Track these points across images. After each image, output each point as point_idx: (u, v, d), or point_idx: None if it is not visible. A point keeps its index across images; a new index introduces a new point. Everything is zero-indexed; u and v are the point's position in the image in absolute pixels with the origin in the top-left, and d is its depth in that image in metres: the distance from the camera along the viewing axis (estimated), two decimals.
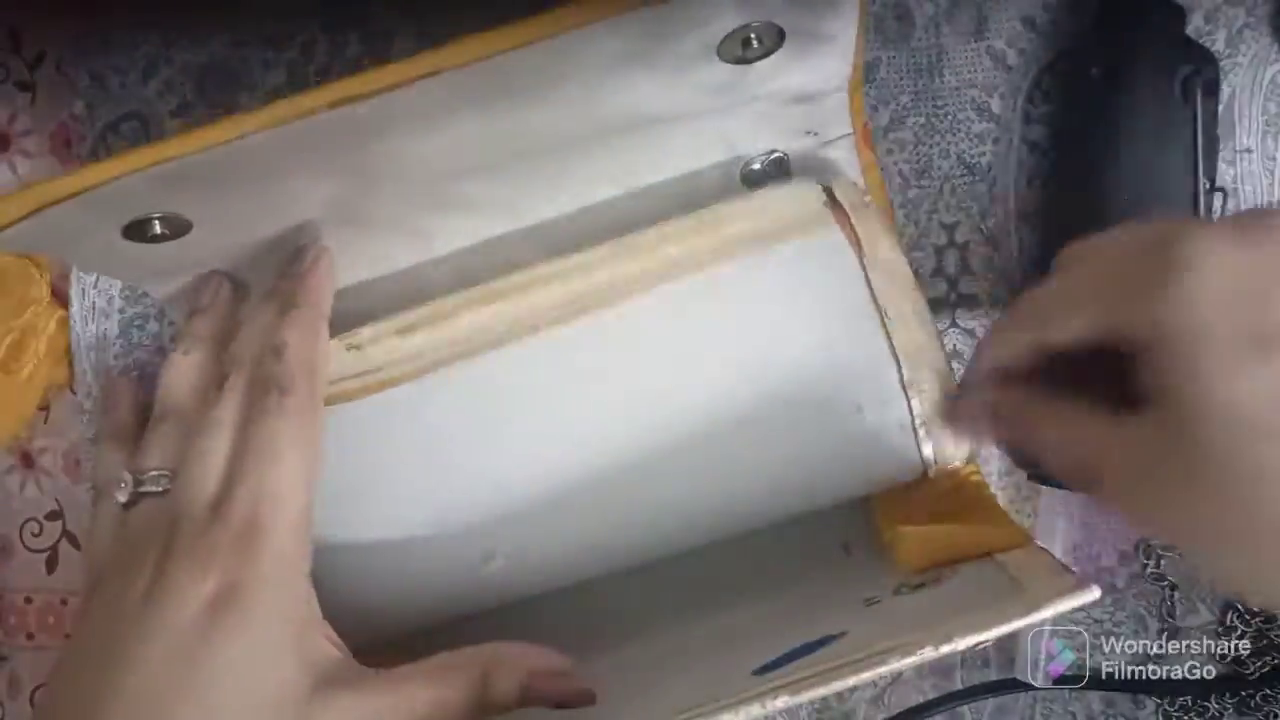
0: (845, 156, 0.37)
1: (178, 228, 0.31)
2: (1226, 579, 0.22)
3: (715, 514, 0.33)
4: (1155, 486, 0.22)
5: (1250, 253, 0.21)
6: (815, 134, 0.36)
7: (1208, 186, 0.34)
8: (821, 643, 0.28)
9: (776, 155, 0.36)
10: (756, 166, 0.36)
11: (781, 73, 0.32)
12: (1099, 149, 0.35)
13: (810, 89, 0.34)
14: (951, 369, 0.32)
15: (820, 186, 0.34)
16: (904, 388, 0.31)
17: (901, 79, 0.38)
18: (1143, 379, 0.22)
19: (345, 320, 0.34)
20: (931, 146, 0.38)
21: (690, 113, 0.33)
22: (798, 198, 0.34)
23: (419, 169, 0.32)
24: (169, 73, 0.40)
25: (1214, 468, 0.20)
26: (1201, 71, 0.34)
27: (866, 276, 0.32)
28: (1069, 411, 0.25)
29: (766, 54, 0.31)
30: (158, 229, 0.31)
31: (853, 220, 0.33)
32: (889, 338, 0.32)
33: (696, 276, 0.33)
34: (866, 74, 0.38)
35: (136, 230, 0.31)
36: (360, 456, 0.32)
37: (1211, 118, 0.34)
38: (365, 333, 0.34)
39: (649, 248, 0.34)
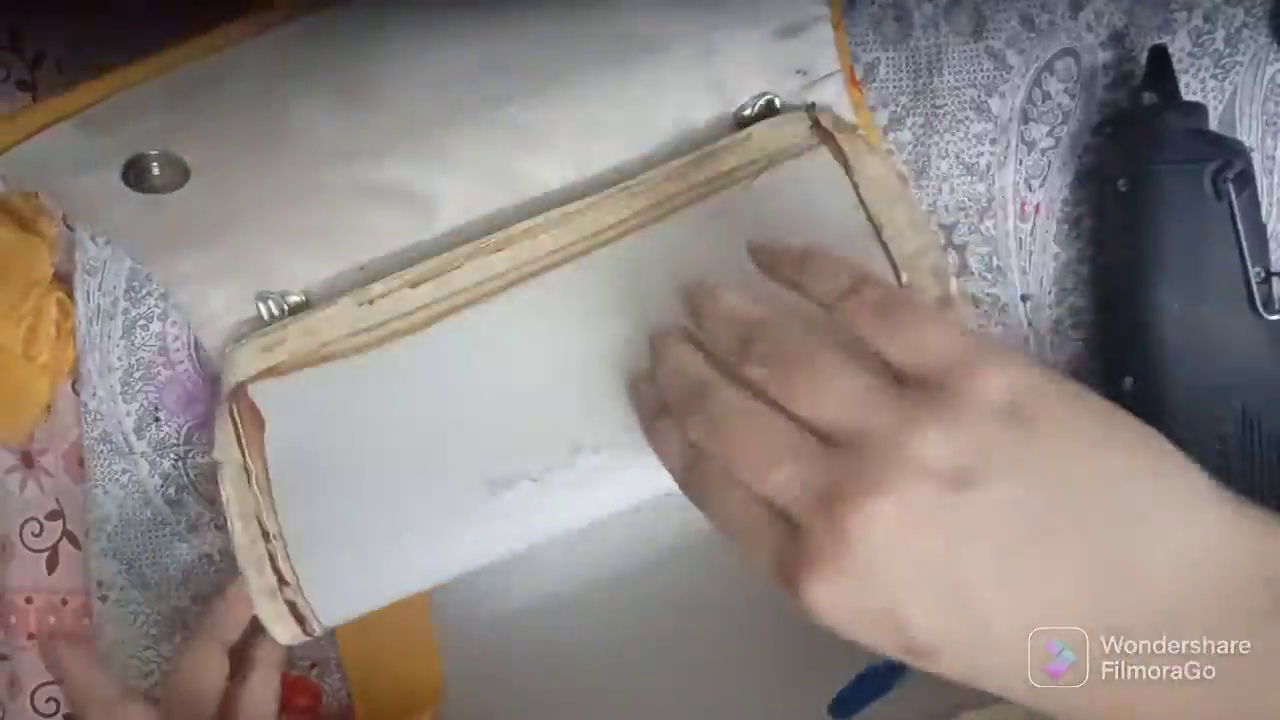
0: (834, 95, 0.37)
1: (176, 175, 0.32)
2: None
3: None
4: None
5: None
6: (804, 73, 0.37)
7: (1261, 276, 0.34)
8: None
9: (767, 98, 0.37)
10: (748, 111, 0.37)
11: None
12: (1142, 259, 0.34)
13: (791, 20, 0.35)
14: (949, 265, 0.34)
15: (805, 114, 0.36)
16: None
17: (900, 79, 0.38)
18: None
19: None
20: (930, 146, 0.38)
21: (678, 35, 0.35)
22: (785, 128, 0.36)
23: (415, 93, 0.33)
24: None
25: None
26: (1231, 164, 0.33)
27: (858, 193, 0.34)
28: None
29: None
30: (155, 171, 0.32)
31: (838, 140, 0.34)
32: (886, 249, 0.33)
33: (695, 209, 0.35)
34: (866, 74, 0.38)
35: (135, 172, 0.32)
36: (373, 406, 0.35)
37: (1251, 207, 0.34)
38: (377, 288, 0.36)
39: (648, 187, 0.35)
